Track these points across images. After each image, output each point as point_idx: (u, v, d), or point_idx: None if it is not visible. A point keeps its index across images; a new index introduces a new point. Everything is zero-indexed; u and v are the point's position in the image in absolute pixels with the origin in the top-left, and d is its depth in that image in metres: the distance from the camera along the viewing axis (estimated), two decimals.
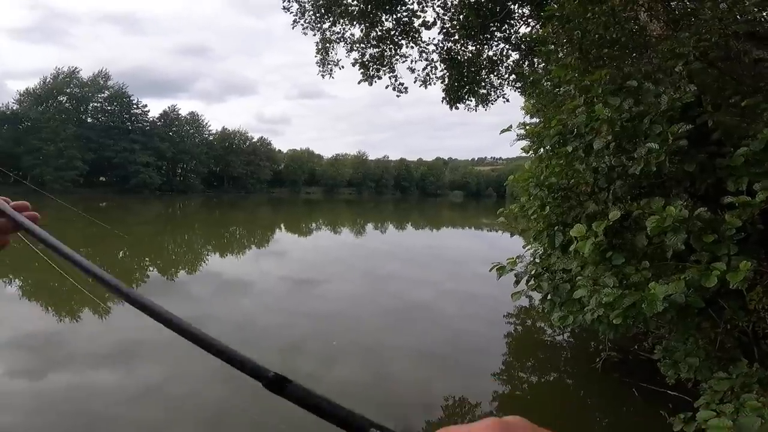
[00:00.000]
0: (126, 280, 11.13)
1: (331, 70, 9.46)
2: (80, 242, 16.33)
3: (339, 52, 9.49)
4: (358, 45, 9.07)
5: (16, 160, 43.07)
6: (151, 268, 11.68)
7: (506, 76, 9.56)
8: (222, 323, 7.21)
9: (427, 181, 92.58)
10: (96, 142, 47.77)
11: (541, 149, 4.09)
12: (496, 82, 9.70)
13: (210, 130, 60.67)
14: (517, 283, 4.53)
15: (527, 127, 4.17)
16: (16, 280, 9.97)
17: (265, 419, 4.05)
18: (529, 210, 4.25)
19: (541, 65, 6.32)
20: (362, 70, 9.30)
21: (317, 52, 9.24)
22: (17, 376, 4.89)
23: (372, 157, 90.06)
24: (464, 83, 9.40)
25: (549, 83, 4.25)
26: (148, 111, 54.51)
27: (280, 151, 74.84)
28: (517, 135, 4.29)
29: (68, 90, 48.43)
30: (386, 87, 9.50)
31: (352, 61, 9.27)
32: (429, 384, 5.19)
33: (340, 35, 9.06)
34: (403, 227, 28.95)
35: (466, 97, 9.62)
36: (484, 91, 9.67)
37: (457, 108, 9.75)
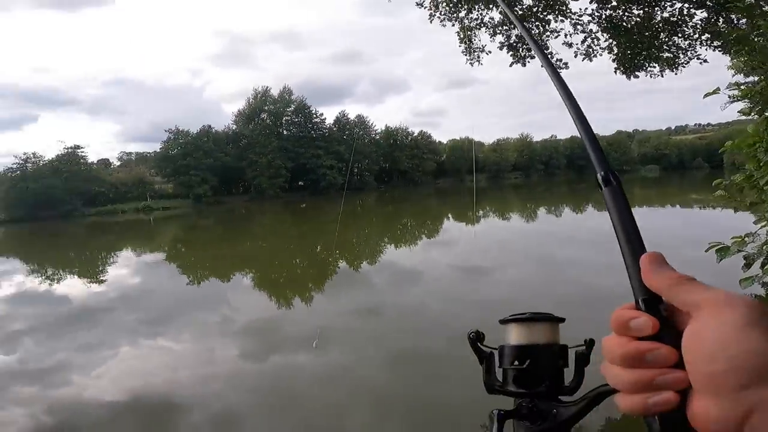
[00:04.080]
0: (321, 271, 13.22)
1: (478, 57, 9.24)
2: (294, 237, 20.21)
3: (482, 37, 9.19)
4: (500, 28, 8.63)
5: (242, 173, 54.78)
6: (341, 261, 13.52)
7: (695, 36, 7.88)
8: (398, 309, 7.92)
9: (610, 157, 79.86)
10: (293, 152, 56.32)
11: None
12: (684, 44, 8.09)
13: (375, 130, 65.63)
14: (747, 266, 3.65)
15: (742, 88, 3.34)
16: (248, 273, 12.95)
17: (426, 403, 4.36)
18: (761, 179, 3.41)
19: (743, 21, 5.00)
20: (511, 53, 8.85)
21: (460, 42, 9.08)
22: (247, 358, 6.25)
23: (537, 138, 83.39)
24: (639, 50, 8.14)
25: (761, 38, 3.32)
26: (325, 119, 61.72)
27: (440, 142, 76.25)
28: (730, 97, 3.48)
29: (266, 107, 57.88)
30: (541, 66, 8.86)
31: (498, 45, 8.88)
32: None
33: (479, 21, 8.78)
34: (581, 209, 26.11)
35: (646, 63, 8.34)
36: (670, 55, 8.16)
37: (636, 77, 8.53)
